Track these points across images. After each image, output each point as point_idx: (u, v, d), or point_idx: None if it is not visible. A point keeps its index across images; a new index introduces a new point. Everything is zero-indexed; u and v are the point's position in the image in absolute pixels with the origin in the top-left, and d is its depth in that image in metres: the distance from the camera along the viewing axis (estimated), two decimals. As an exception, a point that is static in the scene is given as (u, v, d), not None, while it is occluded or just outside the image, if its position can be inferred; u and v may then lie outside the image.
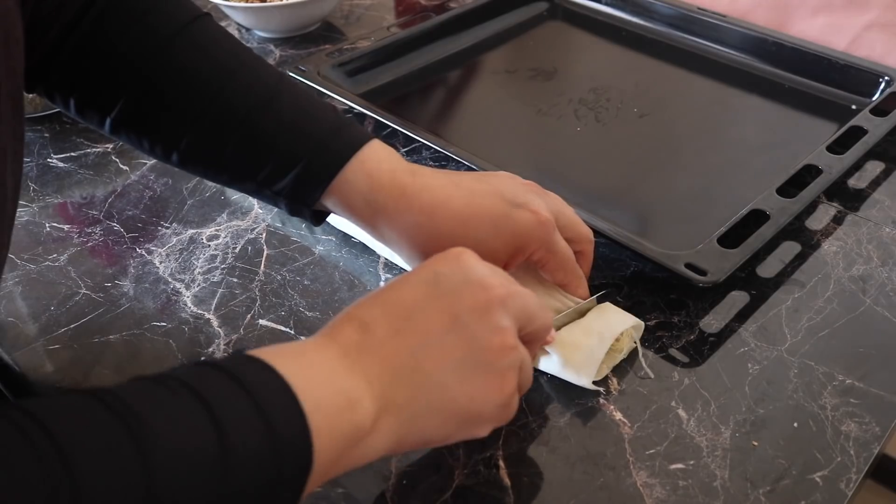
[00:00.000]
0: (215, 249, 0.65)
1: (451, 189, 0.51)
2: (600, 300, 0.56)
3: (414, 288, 0.42)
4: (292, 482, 0.34)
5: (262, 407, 0.33)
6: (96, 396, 0.31)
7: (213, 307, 0.60)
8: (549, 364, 0.52)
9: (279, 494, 0.34)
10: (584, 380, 0.51)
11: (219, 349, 0.57)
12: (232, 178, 0.54)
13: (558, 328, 0.53)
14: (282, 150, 0.51)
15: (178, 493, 0.30)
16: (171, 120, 0.52)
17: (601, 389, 0.52)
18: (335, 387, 0.37)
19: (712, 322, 0.57)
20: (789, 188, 0.63)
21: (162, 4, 0.52)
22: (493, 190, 0.51)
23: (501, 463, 0.48)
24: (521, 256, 0.51)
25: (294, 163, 0.51)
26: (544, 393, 0.52)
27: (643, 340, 0.56)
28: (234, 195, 0.71)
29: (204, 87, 0.51)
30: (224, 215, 0.69)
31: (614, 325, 0.53)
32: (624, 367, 0.54)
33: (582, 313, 0.54)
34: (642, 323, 0.55)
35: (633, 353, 0.55)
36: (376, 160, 0.51)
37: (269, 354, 0.36)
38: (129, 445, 0.30)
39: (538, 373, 0.53)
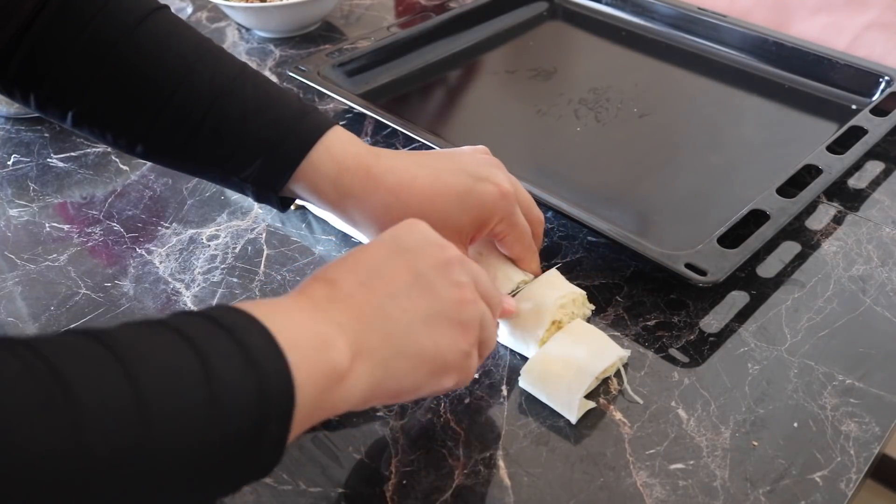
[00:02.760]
0: (215, 249, 0.65)
1: (415, 169, 0.52)
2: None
3: (377, 249, 0.44)
4: (278, 414, 0.35)
5: (240, 341, 0.35)
6: (93, 338, 0.32)
7: (213, 307, 0.60)
8: (533, 389, 0.52)
9: (267, 426, 0.35)
10: (567, 413, 0.51)
11: (219, 349, 0.56)
12: (198, 167, 0.54)
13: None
14: (248, 137, 0.51)
15: (170, 421, 0.31)
16: (136, 110, 0.52)
17: (593, 403, 0.52)
18: (309, 329, 0.38)
19: (712, 322, 0.57)
20: (789, 188, 0.63)
21: None
22: (456, 167, 0.53)
23: (501, 463, 0.48)
24: (485, 229, 0.53)
25: (261, 148, 0.51)
26: (544, 393, 0.52)
27: (644, 342, 0.56)
28: (234, 195, 0.71)
29: (168, 75, 0.51)
30: (224, 215, 0.69)
31: (596, 361, 0.52)
32: (620, 369, 0.54)
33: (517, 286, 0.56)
34: (627, 353, 0.54)
35: (632, 354, 0.55)
36: (341, 144, 0.52)
37: (245, 305, 0.37)
38: (124, 381, 0.31)
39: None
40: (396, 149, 0.76)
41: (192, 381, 0.32)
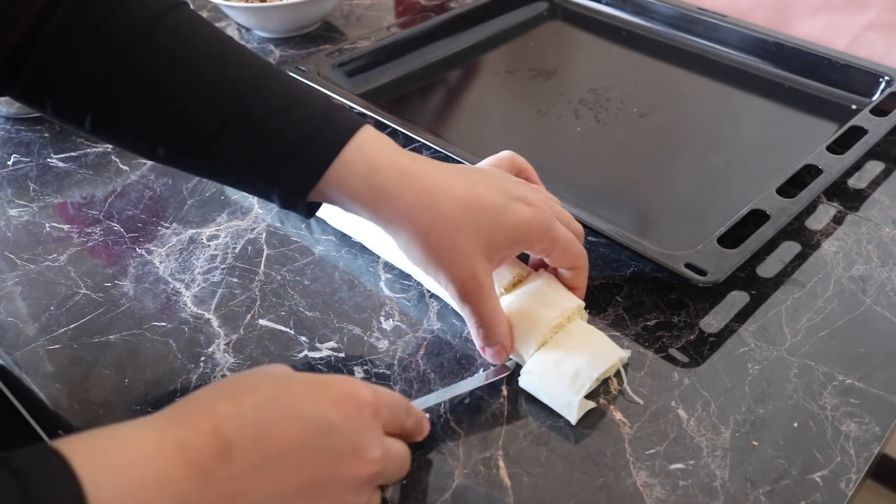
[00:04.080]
0: (215, 249, 0.65)
1: (450, 177, 0.50)
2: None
3: (301, 426, 0.38)
4: None
5: None
6: None
7: (213, 307, 0.60)
8: (533, 389, 0.52)
9: None
10: (567, 414, 0.51)
11: (219, 349, 0.57)
12: (223, 170, 0.52)
13: (541, 343, 0.52)
14: (276, 136, 0.49)
15: None
16: (156, 112, 0.50)
17: (593, 403, 0.52)
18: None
19: (712, 322, 0.57)
20: (789, 188, 0.63)
21: None
22: (491, 182, 0.52)
23: (501, 463, 0.48)
24: (520, 247, 0.52)
25: (289, 148, 0.49)
26: (544, 393, 0.52)
27: (644, 342, 0.56)
28: (235, 195, 0.71)
29: (189, 75, 0.49)
30: (224, 215, 0.69)
31: (596, 362, 0.51)
32: (620, 369, 0.54)
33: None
34: (627, 354, 0.54)
35: (632, 354, 0.55)
36: (373, 143, 0.50)
37: (81, 444, 0.32)
38: None
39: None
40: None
41: None
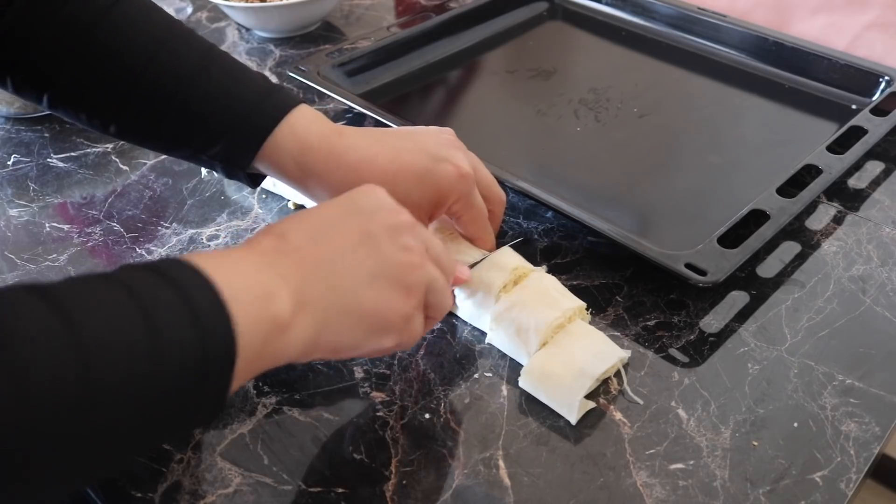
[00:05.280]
0: (215, 249, 0.65)
1: (376, 148, 0.54)
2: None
3: (331, 208, 0.46)
4: (219, 366, 0.36)
5: (184, 294, 0.35)
6: (35, 292, 0.32)
7: (213, 307, 0.60)
8: (533, 389, 0.52)
9: (208, 377, 0.35)
10: (567, 414, 0.51)
11: (219, 349, 0.56)
12: (169, 146, 0.55)
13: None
14: (214, 116, 0.52)
15: (111, 374, 0.32)
16: (109, 89, 0.53)
17: (593, 403, 0.52)
18: (253, 281, 0.39)
19: (712, 322, 0.57)
20: (789, 188, 0.63)
21: None
22: (416, 146, 0.54)
23: (501, 463, 0.48)
24: (442, 207, 0.55)
25: (226, 128, 0.52)
26: (544, 393, 0.52)
27: (644, 342, 0.56)
28: (235, 195, 0.71)
29: (137, 57, 0.52)
30: (224, 215, 0.69)
31: (596, 362, 0.52)
32: (620, 369, 0.54)
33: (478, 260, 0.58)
34: (627, 354, 0.54)
35: (632, 355, 0.55)
36: (305, 123, 0.53)
37: (192, 257, 0.38)
38: (64, 334, 0.31)
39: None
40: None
41: (135, 335, 0.33)
